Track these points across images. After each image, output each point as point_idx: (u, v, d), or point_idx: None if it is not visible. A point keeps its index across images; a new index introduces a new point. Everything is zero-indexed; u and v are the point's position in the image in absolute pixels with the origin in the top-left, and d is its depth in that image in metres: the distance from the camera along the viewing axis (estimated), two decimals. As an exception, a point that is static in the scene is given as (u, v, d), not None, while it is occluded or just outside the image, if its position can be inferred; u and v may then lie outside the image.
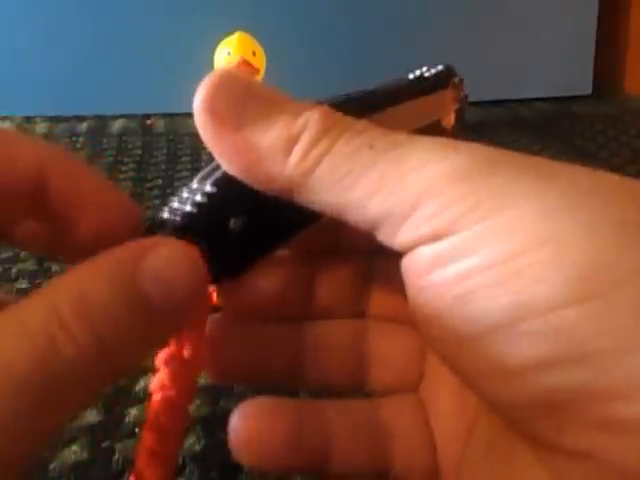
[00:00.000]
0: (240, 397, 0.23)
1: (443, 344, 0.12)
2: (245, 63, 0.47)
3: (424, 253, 0.11)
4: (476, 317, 0.11)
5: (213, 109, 0.12)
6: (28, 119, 0.55)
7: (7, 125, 0.53)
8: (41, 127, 0.54)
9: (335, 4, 0.59)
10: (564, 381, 0.10)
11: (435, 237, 0.11)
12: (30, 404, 0.09)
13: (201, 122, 0.12)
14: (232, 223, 0.14)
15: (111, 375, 0.10)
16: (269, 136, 0.12)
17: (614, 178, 0.11)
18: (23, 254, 0.33)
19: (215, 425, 0.22)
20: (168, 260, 0.11)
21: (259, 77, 0.48)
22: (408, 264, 0.12)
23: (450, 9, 0.62)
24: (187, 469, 0.20)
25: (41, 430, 0.09)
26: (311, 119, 0.12)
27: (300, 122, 0.12)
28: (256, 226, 0.14)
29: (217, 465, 0.20)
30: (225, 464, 0.20)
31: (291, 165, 0.11)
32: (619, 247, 0.10)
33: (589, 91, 0.66)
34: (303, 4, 0.58)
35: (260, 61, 0.48)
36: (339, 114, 0.12)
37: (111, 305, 0.10)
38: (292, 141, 0.11)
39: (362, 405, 0.16)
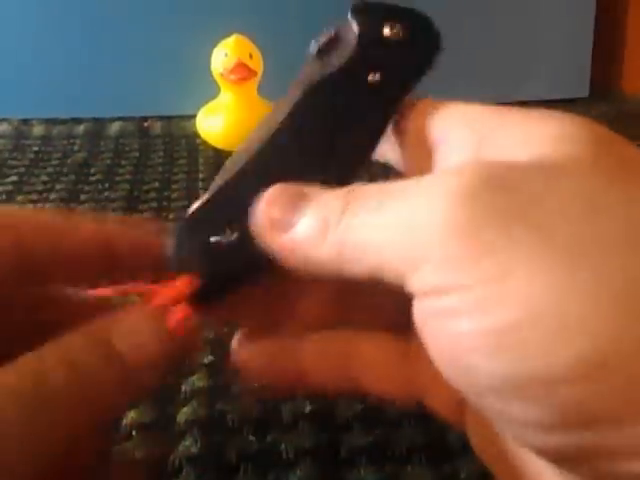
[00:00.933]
0: (236, 399, 0.23)
1: (452, 384, 0.12)
2: (242, 65, 0.47)
3: (429, 304, 0.12)
4: (475, 378, 0.11)
5: (268, 218, 0.14)
6: (25, 121, 0.55)
7: (4, 127, 0.53)
8: (38, 129, 0.54)
9: (333, 6, 0.59)
10: (569, 442, 0.10)
11: (443, 291, 0.11)
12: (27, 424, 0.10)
13: (260, 229, 0.14)
14: (227, 233, 0.15)
15: (91, 415, 0.12)
16: (305, 230, 0.13)
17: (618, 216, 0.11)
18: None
19: (212, 427, 0.22)
20: (137, 324, 0.13)
21: (256, 79, 0.49)
22: (419, 311, 0.12)
23: (448, 11, 0.62)
24: (183, 471, 0.20)
25: (38, 446, 0.11)
26: (331, 205, 0.13)
27: (324, 212, 0.13)
28: (250, 236, 0.14)
29: (213, 467, 0.20)
30: (222, 466, 0.20)
31: (325, 249, 0.13)
32: (625, 316, 0.10)
33: (587, 93, 0.67)
34: (300, 6, 0.58)
35: (257, 63, 0.48)
36: (353, 193, 0.13)
37: (90, 359, 0.12)
38: (324, 229, 0.13)
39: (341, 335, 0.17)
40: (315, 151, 0.15)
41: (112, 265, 0.15)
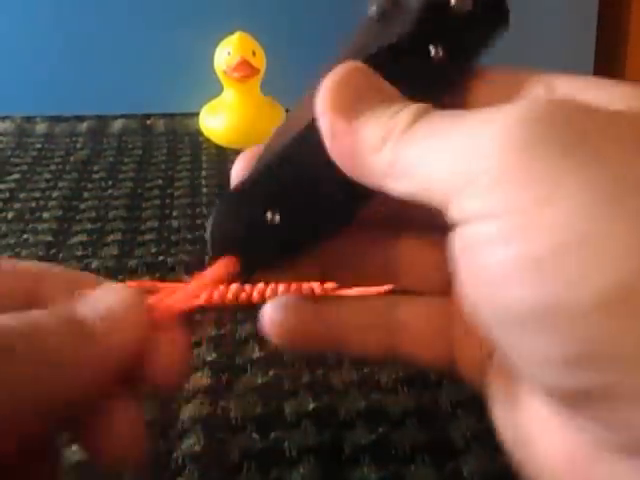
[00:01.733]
0: (240, 397, 0.23)
1: (480, 321, 0.12)
2: (245, 63, 0.47)
3: (469, 231, 0.11)
4: (504, 309, 0.11)
5: (332, 99, 0.13)
6: (28, 119, 0.55)
7: (7, 125, 0.53)
8: (41, 127, 0.54)
9: (336, 4, 0.59)
10: (591, 380, 0.10)
11: (484, 217, 0.11)
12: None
13: (320, 110, 0.14)
14: (269, 216, 0.14)
15: (56, 386, 0.11)
16: (370, 132, 0.13)
17: None
18: (23, 254, 0.33)
19: (215, 425, 0.22)
20: (104, 294, 0.12)
21: (259, 77, 0.48)
22: (458, 238, 0.12)
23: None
24: (187, 469, 0.20)
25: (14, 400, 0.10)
26: (401, 116, 0.13)
27: (392, 121, 0.13)
28: (293, 220, 0.15)
29: (216, 465, 0.20)
30: (225, 464, 0.20)
31: (379, 159, 0.13)
32: None
33: (589, 91, 0.66)
34: (303, 4, 0.58)
35: (260, 61, 0.48)
36: (424, 109, 0.13)
37: (52, 324, 0.11)
38: (385, 137, 0.12)
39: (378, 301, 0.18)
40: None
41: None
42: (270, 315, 0.16)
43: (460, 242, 0.12)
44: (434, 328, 0.16)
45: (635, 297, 0.09)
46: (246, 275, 0.15)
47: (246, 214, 0.15)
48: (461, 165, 0.11)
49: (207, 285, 0.15)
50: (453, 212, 0.12)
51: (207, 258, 0.15)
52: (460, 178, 0.11)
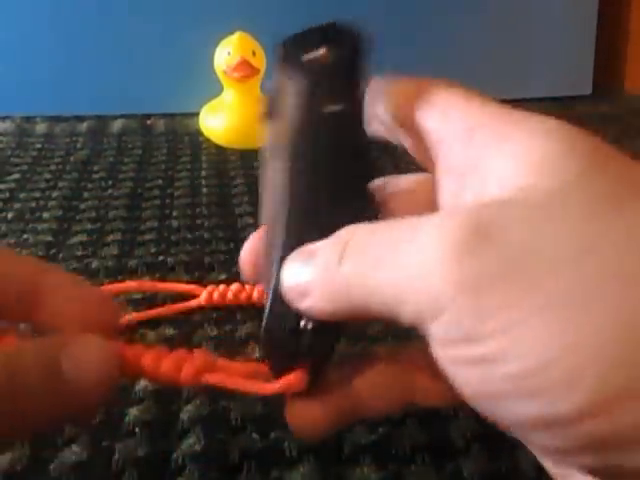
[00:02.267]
0: (240, 398, 0.23)
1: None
2: (245, 63, 0.47)
3: (452, 352, 0.12)
4: (503, 416, 0.12)
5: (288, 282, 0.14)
6: (28, 119, 0.55)
7: (7, 125, 0.53)
8: (41, 127, 0.54)
9: (335, 4, 0.59)
10: (584, 463, 0.11)
11: (459, 341, 0.12)
12: None
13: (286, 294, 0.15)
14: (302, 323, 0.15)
15: (25, 418, 0.13)
16: (308, 278, 0.14)
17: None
18: (24, 253, 0.33)
19: (215, 425, 0.22)
20: (84, 346, 0.14)
21: (259, 77, 0.48)
22: (439, 353, 0.13)
23: (450, 9, 0.62)
24: (187, 469, 0.20)
25: None
26: (329, 255, 0.14)
27: (323, 261, 0.14)
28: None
29: (217, 465, 0.20)
30: (225, 464, 0.20)
31: (332, 295, 0.14)
32: (622, 360, 0.11)
33: (589, 91, 0.66)
34: (303, 4, 0.58)
35: (260, 61, 0.48)
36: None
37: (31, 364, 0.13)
38: (326, 276, 0.14)
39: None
40: (334, 196, 0.15)
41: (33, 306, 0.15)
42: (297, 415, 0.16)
43: (446, 358, 0.12)
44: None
45: (618, 405, 0.11)
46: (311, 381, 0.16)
47: (287, 324, 0.15)
48: (419, 297, 0.12)
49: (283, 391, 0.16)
50: (432, 334, 0.12)
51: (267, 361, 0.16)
52: (428, 306, 0.12)
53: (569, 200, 0.12)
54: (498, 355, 0.11)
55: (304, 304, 0.14)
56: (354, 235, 0.13)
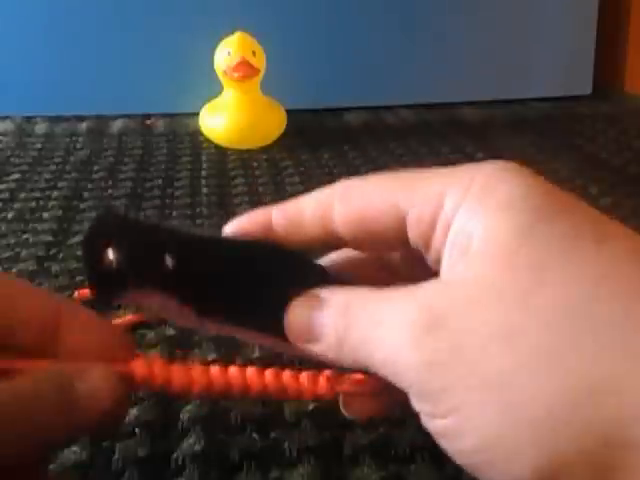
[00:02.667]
0: (240, 398, 0.23)
1: None
2: (245, 63, 0.47)
3: (424, 420, 0.14)
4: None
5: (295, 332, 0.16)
6: (28, 119, 0.55)
7: (7, 125, 0.54)
8: (41, 127, 0.54)
9: (335, 4, 0.59)
10: None
11: (423, 415, 0.14)
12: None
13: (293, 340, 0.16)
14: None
15: (29, 436, 0.14)
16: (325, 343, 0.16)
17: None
18: (24, 254, 0.33)
19: (215, 425, 0.22)
20: (96, 375, 0.15)
21: (259, 77, 0.48)
22: (431, 426, 0.14)
23: (450, 9, 0.62)
24: (187, 469, 0.20)
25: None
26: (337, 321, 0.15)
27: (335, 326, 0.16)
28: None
29: (217, 465, 0.20)
30: (225, 464, 0.20)
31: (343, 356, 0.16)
32: (547, 438, 0.12)
33: (589, 91, 0.66)
34: (303, 4, 0.58)
35: (260, 61, 0.48)
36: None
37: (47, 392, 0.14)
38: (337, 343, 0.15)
39: None
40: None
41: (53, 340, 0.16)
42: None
43: (434, 430, 0.14)
44: None
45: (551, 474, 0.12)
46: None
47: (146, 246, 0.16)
48: (394, 373, 0.14)
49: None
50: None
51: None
52: (398, 381, 0.14)
53: (502, 283, 0.13)
54: (456, 431, 0.13)
55: (314, 347, 0.16)
56: (349, 309, 0.15)
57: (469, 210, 0.14)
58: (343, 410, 0.17)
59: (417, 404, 0.14)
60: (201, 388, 0.16)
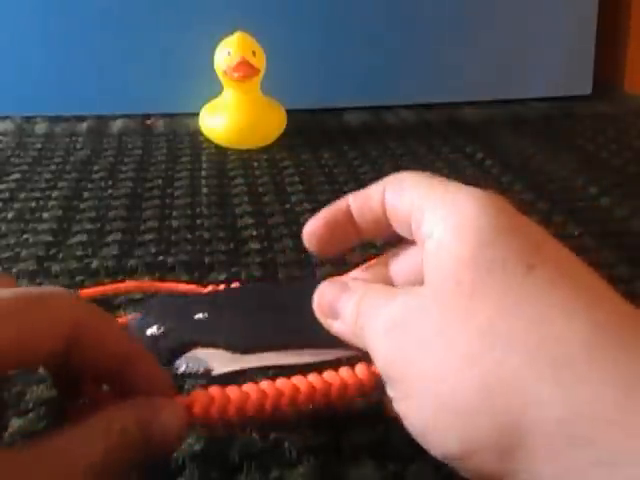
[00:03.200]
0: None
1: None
2: (245, 63, 0.47)
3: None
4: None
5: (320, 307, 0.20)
6: (28, 119, 0.55)
7: (7, 125, 0.54)
8: (41, 127, 0.54)
9: (335, 4, 0.59)
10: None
11: (394, 400, 0.17)
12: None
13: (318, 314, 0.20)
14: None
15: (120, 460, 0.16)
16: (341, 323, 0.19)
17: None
18: (24, 254, 0.33)
19: (215, 426, 0.22)
20: (169, 414, 0.17)
21: (259, 77, 0.49)
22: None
23: (450, 10, 0.62)
24: (187, 469, 0.20)
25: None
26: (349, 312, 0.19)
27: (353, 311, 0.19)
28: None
29: (217, 465, 0.20)
30: (225, 464, 0.20)
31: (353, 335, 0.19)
32: (462, 430, 0.15)
33: (589, 91, 0.67)
34: (303, 4, 0.58)
35: (260, 61, 0.48)
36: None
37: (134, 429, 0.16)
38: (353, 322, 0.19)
39: None
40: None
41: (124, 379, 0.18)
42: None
43: (397, 411, 0.17)
44: None
45: (473, 455, 0.15)
46: None
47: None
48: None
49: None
50: None
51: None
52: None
53: (447, 297, 0.16)
54: (407, 414, 0.16)
55: (334, 324, 0.19)
56: (363, 298, 0.18)
57: (437, 228, 0.17)
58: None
59: (388, 389, 0.17)
60: (255, 402, 0.19)
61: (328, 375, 0.20)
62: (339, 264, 0.32)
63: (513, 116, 0.60)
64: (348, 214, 0.20)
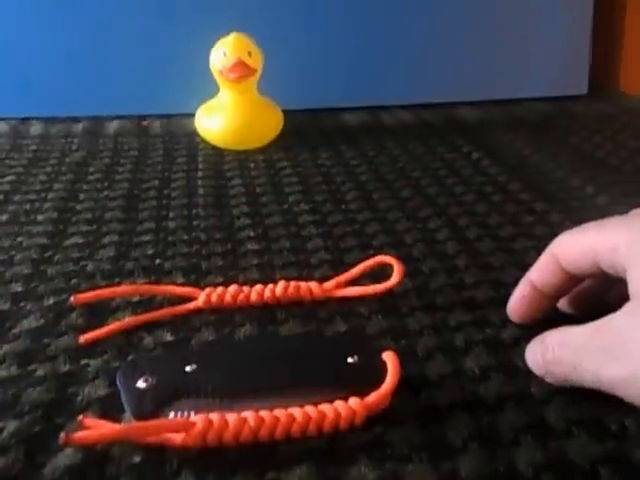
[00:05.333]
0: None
1: None
2: (241, 64, 0.46)
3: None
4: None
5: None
6: (23, 120, 0.54)
7: (2, 127, 0.53)
8: (36, 128, 0.54)
9: (332, 4, 0.59)
10: None
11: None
12: None
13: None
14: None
15: None
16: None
17: None
18: (18, 257, 0.33)
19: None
20: None
21: (255, 77, 0.48)
22: None
23: (448, 9, 0.62)
24: (183, 473, 0.20)
25: None
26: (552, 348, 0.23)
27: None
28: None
29: (214, 468, 0.20)
30: (222, 467, 0.20)
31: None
32: None
33: (585, 91, 0.67)
34: (299, 4, 0.58)
35: (256, 61, 0.48)
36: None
37: None
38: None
39: None
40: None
41: None
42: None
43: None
44: None
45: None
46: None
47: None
48: None
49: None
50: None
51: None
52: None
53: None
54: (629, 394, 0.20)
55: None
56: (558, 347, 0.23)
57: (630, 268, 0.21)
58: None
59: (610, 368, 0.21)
60: (252, 429, 0.20)
61: (322, 406, 0.21)
62: (336, 264, 0.32)
63: (509, 116, 0.60)
64: (533, 287, 0.26)
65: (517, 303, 0.27)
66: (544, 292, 0.26)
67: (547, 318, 0.26)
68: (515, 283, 0.27)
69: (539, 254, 0.26)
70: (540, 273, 0.25)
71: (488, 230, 0.36)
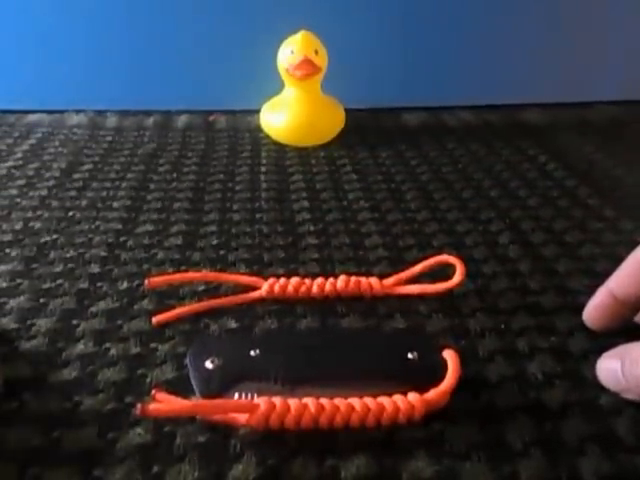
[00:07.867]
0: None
1: None
2: (308, 62, 0.47)
3: None
4: None
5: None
6: (100, 113, 0.57)
7: (80, 118, 0.56)
8: (111, 121, 0.56)
9: (397, 5, 0.59)
10: None
11: None
12: None
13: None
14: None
15: None
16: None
17: None
18: (95, 240, 0.35)
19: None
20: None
21: (320, 76, 0.49)
22: None
23: (518, 11, 0.61)
24: (245, 455, 0.20)
25: None
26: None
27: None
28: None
29: (275, 452, 0.20)
30: (282, 452, 0.20)
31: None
32: None
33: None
34: (366, 5, 0.58)
35: (322, 60, 0.48)
36: None
37: None
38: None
39: None
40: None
41: None
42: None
43: None
44: None
45: None
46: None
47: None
48: None
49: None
50: None
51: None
52: None
53: None
54: None
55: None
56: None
57: None
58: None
59: None
60: (313, 415, 0.20)
61: (382, 399, 0.21)
62: (395, 261, 0.32)
63: (579, 120, 0.58)
64: (612, 296, 0.25)
65: (594, 311, 0.26)
66: (624, 302, 0.25)
67: (622, 330, 0.25)
68: (583, 290, 0.26)
69: (608, 262, 0.25)
70: (620, 282, 0.25)
71: (553, 235, 0.36)
